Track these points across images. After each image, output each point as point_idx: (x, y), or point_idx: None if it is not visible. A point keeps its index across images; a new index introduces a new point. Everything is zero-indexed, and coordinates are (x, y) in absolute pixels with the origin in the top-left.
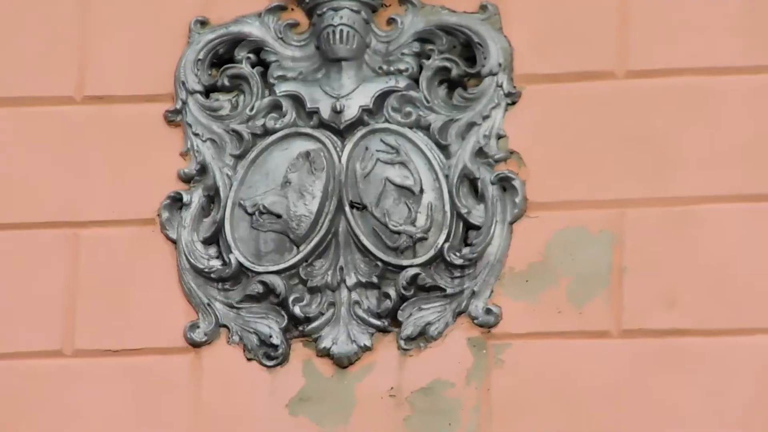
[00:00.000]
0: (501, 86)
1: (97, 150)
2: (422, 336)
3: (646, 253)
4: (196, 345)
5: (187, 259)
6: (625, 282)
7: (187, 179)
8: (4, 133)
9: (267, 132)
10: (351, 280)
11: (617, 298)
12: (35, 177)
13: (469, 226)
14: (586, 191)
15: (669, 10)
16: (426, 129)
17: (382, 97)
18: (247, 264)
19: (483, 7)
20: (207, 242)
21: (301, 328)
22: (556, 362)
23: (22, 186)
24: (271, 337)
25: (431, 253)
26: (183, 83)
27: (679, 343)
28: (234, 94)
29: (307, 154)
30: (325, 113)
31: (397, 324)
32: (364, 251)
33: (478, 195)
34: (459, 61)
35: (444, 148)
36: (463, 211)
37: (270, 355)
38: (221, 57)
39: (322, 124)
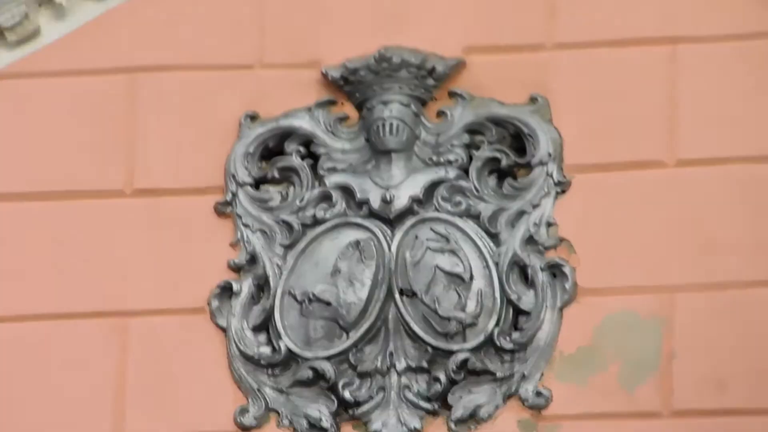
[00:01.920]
0: (551, 175)
1: (148, 241)
2: (472, 418)
3: (695, 337)
4: (246, 429)
5: (237, 346)
6: (675, 366)
7: (236, 269)
8: (56, 225)
9: (317, 222)
10: (401, 364)
11: (667, 381)
12: (87, 267)
13: (518, 311)
14: (636, 277)
15: (717, 100)
16: (476, 218)
17: (432, 187)
18: (296, 350)
19: (533, 99)
20: (257, 329)
21: (351, 412)
22: None
23: (73, 276)
24: (321, 420)
25: (481, 338)
26: (233, 176)
27: (730, 423)
28: (284, 186)
29: (357, 243)
30: (375, 203)
31: (447, 407)
32: (414, 337)
33: (528, 281)
34: (509, 152)
35: (494, 236)
36: (513, 297)
37: None
38: (271, 150)
39: (372, 214)
